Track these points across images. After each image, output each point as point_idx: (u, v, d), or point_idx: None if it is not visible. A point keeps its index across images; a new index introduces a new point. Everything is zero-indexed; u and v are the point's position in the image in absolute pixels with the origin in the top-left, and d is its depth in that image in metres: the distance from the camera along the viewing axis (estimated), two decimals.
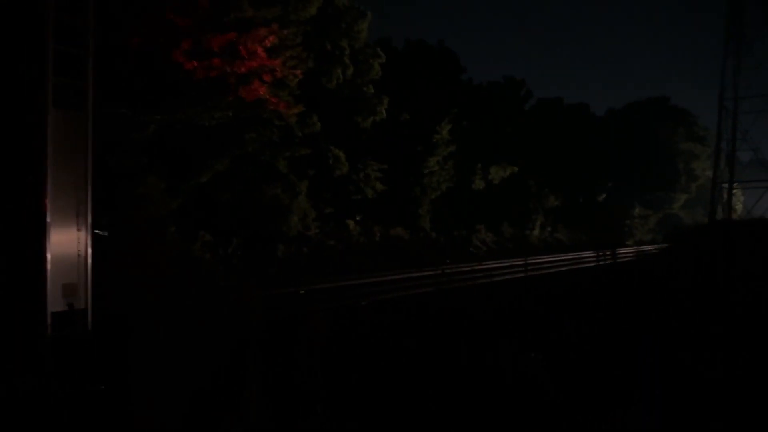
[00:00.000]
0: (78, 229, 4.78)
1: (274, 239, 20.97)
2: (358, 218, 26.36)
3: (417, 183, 29.14)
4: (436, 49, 32.46)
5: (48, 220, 4.55)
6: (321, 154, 23.11)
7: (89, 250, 4.82)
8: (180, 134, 17.92)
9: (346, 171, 24.13)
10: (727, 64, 26.92)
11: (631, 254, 22.87)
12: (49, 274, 4.54)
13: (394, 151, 27.50)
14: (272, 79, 17.72)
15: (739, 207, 24.95)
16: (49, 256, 4.54)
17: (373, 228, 27.03)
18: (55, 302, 4.60)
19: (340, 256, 23.49)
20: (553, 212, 41.13)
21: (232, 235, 19.55)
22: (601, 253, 18.84)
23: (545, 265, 23.93)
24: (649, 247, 21.87)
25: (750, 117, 26.23)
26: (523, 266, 21.41)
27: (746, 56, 26.31)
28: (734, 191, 25.65)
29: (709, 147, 50.34)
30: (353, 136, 25.00)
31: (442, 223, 31.89)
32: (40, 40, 4.71)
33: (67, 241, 4.69)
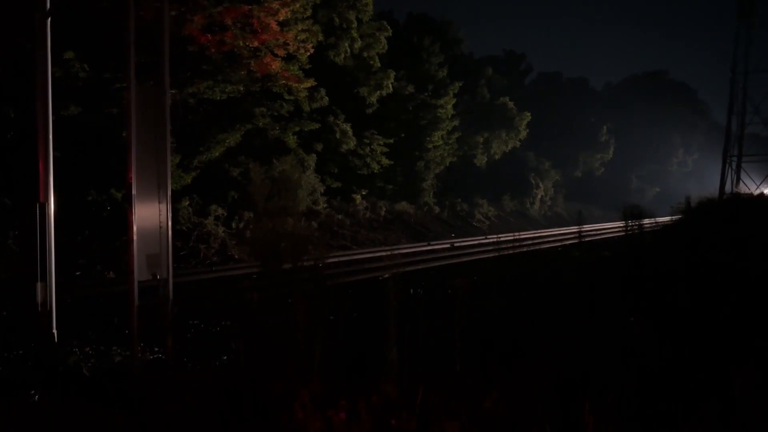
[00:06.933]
0: (159, 201, 4.91)
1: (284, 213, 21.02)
2: (364, 193, 26.46)
3: (421, 158, 29.21)
4: (438, 23, 32.28)
5: (134, 192, 4.68)
6: (328, 128, 23.09)
7: (169, 222, 4.96)
8: (192, 109, 17.88)
9: (352, 146, 24.14)
10: (739, 38, 27.07)
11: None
12: (135, 245, 4.67)
13: (399, 125, 27.51)
14: (285, 53, 17.65)
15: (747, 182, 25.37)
16: (135, 227, 4.67)
17: (378, 202, 27.17)
18: (141, 272, 4.74)
19: (349, 230, 23.68)
20: (552, 186, 41.40)
21: (244, 209, 19.62)
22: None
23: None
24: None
25: (759, 92, 26.61)
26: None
27: (758, 32, 26.53)
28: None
29: (707, 120, 50.73)
30: (359, 110, 24.96)
31: (445, 197, 32.09)
32: (124, 18, 4.79)
33: (149, 214, 4.83)
